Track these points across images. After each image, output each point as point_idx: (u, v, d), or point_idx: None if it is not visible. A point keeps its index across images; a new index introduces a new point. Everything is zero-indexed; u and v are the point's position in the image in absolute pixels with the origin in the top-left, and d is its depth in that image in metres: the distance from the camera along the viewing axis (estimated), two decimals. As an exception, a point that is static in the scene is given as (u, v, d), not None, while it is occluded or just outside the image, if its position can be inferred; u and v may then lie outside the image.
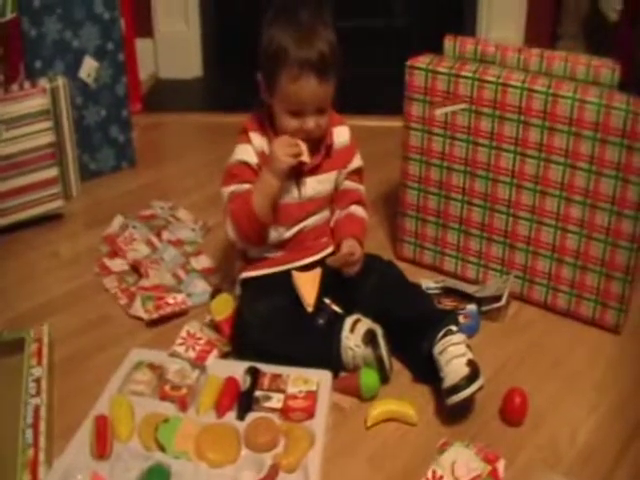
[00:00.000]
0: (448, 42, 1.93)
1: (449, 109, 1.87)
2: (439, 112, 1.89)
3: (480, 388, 1.52)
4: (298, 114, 1.64)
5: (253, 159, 1.70)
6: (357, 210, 1.83)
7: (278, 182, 1.65)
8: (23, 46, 2.33)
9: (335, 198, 1.82)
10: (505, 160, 1.84)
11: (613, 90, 1.75)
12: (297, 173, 1.70)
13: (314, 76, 1.59)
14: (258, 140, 1.71)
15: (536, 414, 1.57)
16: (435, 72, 1.86)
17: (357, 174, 1.84)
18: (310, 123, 1.64)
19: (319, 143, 1.73)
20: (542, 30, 3.32)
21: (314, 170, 1.74)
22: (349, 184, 1.83)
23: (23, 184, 2.20)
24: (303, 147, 1.65)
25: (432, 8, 3.58)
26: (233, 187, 1.70)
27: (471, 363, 1.53)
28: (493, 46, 1.89)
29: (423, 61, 1.89)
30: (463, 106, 1.85)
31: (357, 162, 1.83)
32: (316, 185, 1.75)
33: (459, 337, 1.58)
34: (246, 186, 1.69)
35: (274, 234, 1.74)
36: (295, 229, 1.76)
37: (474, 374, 1.52)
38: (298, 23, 1.61)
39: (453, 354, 1.54)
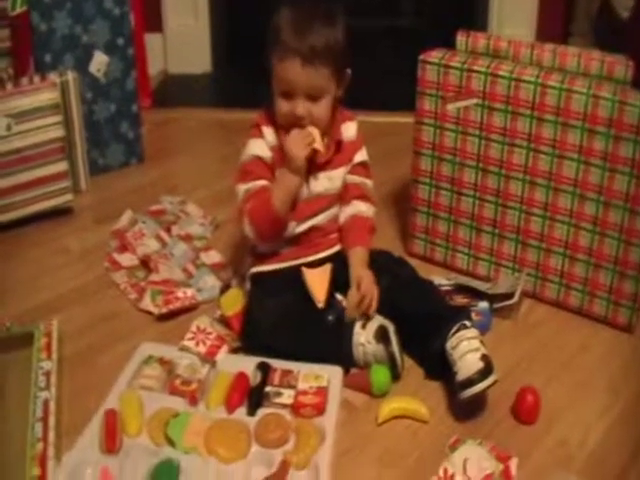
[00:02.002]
0: (460, 37, 1.92)
1: (461, 104, 1.86)
2: (451, 107, 1.88)
3: (494, 383, 1.51)
4: (288, 96, 1.64)
5: (267, 153, 1.70)
6: (361, 209, 1.81)
7: (299, 178, 1.66)
8: (33, 40, 2.32)
9: (339, 193, 1.81)
10: (518, 156, 1.83)
11: (627, 87, 1.74)
12: (308, 169, 1.69)
13: (299, 61, 1.59)
14: (271, 134, 1.70)
15: (549, 413, 1.56)
16: (447, 67, 1.85)
17: (362, 168, 1.82)
18: (299, 108, 1.63)
19: (328, 139, 1.72)
20: (553, 27, 3.31)
21: (324, 166, 1.73)
22: (352, 178, 1.81)
23: (32, 178, 2.19)
24: (316, 135, 1.64)
25: (443, 6, 3.57)
26: (248, 185, 1.70)
27: (485, 358, 1.52)
28: (505, 41, 1.88)
29: (435, 56, 1.88)
30: (475, 101, 1.84)
31: (361, 156, 1.81)
32: (326, 182, 1.74)
33: (473, 332, 1.57)
34: (261, 183, 1.69)
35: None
36: (305, 225, 1.75)
37: (488, 369, 1.50)
38: (303, 12, 1.63)
39: (467, 348, 1.53)
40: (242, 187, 1.71)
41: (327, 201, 1.77)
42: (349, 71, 1.69)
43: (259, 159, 1.70)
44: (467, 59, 1.85)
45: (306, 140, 1.64)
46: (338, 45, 1.63)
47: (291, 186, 1.66)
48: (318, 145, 1.65)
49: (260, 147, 1.70)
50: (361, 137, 1.81)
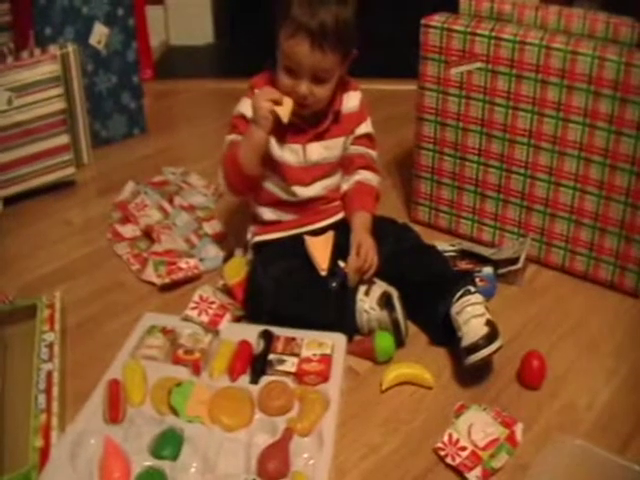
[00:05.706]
0: (464, 0, 1.89)
1: (464, 68, 1.84)
2: (454, 71, 1.85)
3: (499, 348, 1.50)
4: (292, 73, 1.60)
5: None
6: (366, 177, 1.80)
7: (263, 133, 1.61)
8: (33, 13, 2.31)
9: (342, 163, 1.79)
10: (522, 120, 1.80)
11: (633, 48, 1.71)
12: (304, 137, 1.68)
13: (308, 41, 1.54)
14: None
15: (554, 379, 1.55)
16: (450, 30, 1.82)
17: (366, 139, 1.80)
18: (302, 87, 1.60)
19: (327, 108, 1.70)
20: (558, -9, 3.26)
21: (321, 135, 1.71)
22: (356, 149, 1.79)
23: (34, 151, 2.19)
24: (287, 103, 1.60)
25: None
26: (232, 137, 1.71)
27: (490, 323, 1.51)
28: (510, 4, 1.85)
29: (438, 19, 1.85)
30: (479, 65, 1.82)
31: (365, 128, 1.79)
32: (322, 150, 1.72)
33: (477, 297, 1.56)
34: (241, 138, 1.68)
35: (285, 196, 1.73)
36: (306, 193, 1.74)
37: (493, 334, 1.49)
38: None
39: (472, 314, 1.52)
40: (228, 138, 1.72)
41: (325, 170, 1.75)
42: (356, 51, 1.65)
43: (243, 117, 1.69)
44: (470, 22, 1.83)
45: (272, 96, 1.59)
46: (348, 26, 1.58)
47: (255, 140, 1.62)
48: (281, 111, 1.59)
49: (248, 106, 1.66)
50: (366, 108, 1.78)
